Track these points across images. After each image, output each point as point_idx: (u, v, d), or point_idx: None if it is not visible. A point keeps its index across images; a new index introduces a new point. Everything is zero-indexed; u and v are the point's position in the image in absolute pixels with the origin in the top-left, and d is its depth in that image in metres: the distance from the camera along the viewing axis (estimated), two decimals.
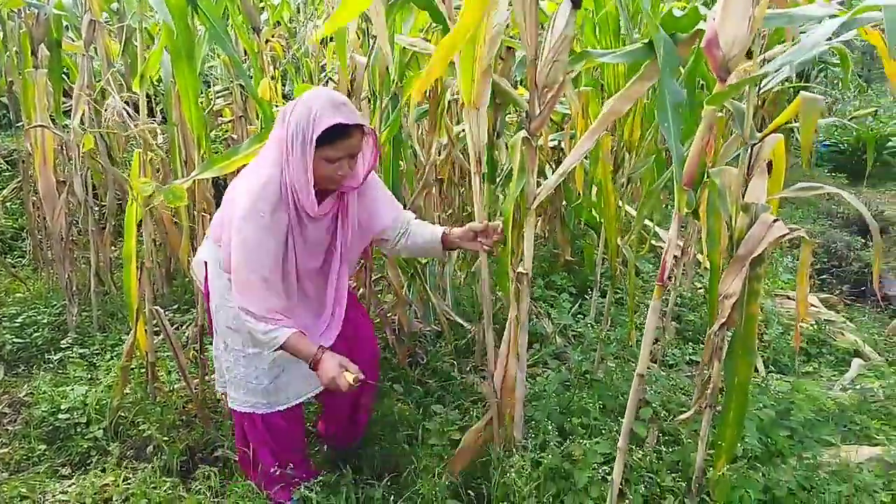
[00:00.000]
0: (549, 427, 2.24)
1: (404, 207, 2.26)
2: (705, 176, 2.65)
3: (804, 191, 2.11)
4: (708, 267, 3.91)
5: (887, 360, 3.39)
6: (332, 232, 2.01)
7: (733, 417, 1.99)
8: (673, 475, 2.09)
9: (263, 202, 1.78)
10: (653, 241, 4.33)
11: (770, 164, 1.98)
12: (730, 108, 1.90)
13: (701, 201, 2.80)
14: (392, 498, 2.11)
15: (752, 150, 2.12)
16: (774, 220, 1.83)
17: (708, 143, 1.81)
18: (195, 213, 2.82)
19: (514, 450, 2.14)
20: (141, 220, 2.55)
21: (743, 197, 1.91)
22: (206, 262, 2.08)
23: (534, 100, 1.88)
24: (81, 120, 3.31)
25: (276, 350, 1.88)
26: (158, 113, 4.88)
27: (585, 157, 3.05)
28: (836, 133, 8.68)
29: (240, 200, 1.80)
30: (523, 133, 1.92)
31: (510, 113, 3.88)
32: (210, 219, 2.86)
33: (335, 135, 1.74)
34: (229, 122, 4.50)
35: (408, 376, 2.97)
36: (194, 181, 2.54)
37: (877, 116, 9.24)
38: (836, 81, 9.12)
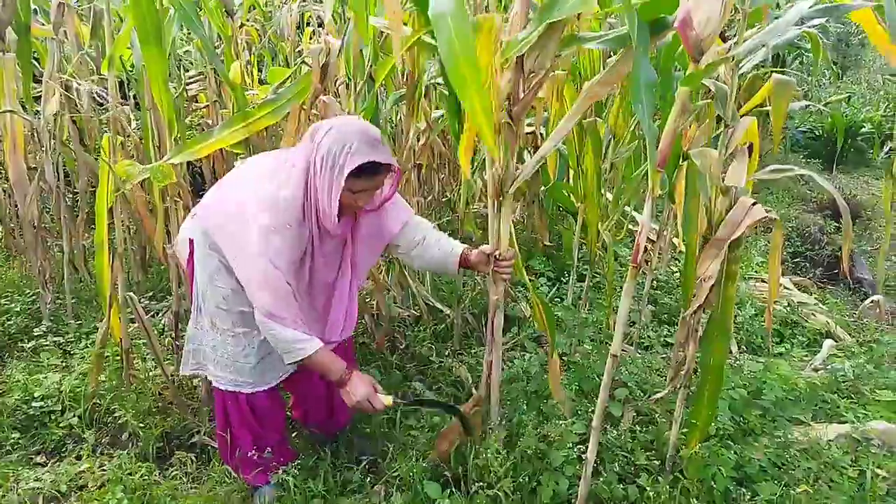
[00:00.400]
0: (525, 408, 2.26)
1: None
2: (680, 159, 2.69)
3: (777, 173, 2.13)
4: (683, 250, 3.96)
5: (858, 340, 3.46)
6: (343, 246, 2.06)
7: (708, 397, 2.02)
8: (647, 454, 2.13)
9: (288, 215, 1.81)
10: (630, 227, 4.37)
11: (751, 148, 2.00)
12: (711, 87, 1.91)
13: (677, 184, 2.84)
14: (369, 480, 2.12)
15: (730, 133, 2.15)
16: (753, 203, 1.85)
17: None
18: (168, 198, 2.78)
19: (490, 431, 2.16)
20: (112, 207, 2.50)
21: (722, 180, 1.92)
22: (190, 240, 2.04)
23: (518, 83, 1.86)
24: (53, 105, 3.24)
25: (293, 363, 1.90)
26: (132, 98, 4.80)
27: (563, 142, 3.06)
28: (811, 119, 8.79)
29: (261, 212, 1.80)
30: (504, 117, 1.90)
31: None
32: (183, 204, 2.84)
33: (367, 171, 1.78)
34: (204, 107, 4.43)
35: (387, 361, 2.98)
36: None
37: (850, 103, 9.37)
38: (811, 67, 9.23)
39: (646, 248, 4.54)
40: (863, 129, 8.35)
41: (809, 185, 6.80)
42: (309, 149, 1.81)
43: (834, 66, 10.81)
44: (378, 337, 3.08)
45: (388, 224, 2.11)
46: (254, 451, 2.09)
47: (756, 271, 4.39)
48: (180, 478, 2.22)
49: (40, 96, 3.74)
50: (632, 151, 3.04)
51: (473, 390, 2.50)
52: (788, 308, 3.67)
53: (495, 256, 1.99)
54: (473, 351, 3.08)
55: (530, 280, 3.77)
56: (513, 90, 1.85)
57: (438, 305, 3.33)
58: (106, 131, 2.61)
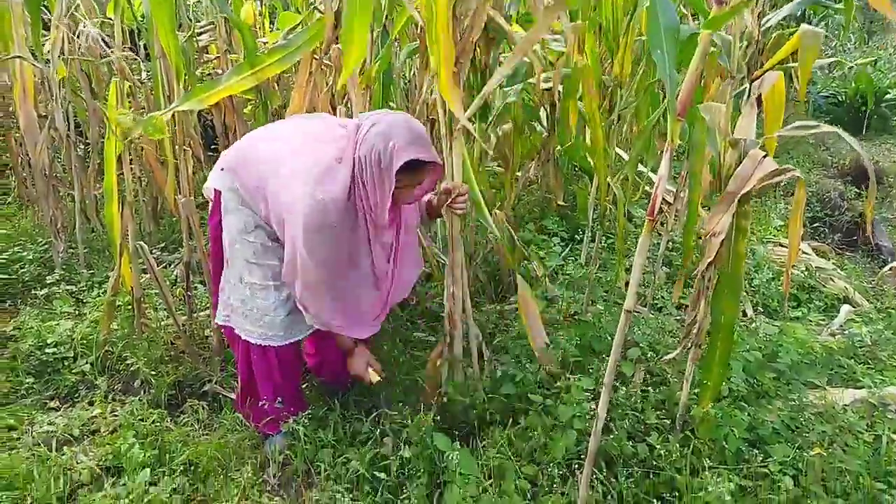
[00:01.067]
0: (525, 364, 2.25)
1: None
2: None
3: (801, 129, 2.06)
4: (700, 212, 3.88)
5: (876, 307, 3.41)
6: (395, 235, 2.10)
7: (719, 356, 1.99)
8: (658, 413, 2.11)
9: (335, 214, 1.83)
10: (646, 188, 4.29)
11: (759, 100, 1.92)
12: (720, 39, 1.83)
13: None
14: (379, 432, 2.12)
15: (750, 87, 2.07)
16: (764, 156, 1.79)
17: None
18: (177, 148, 2.74)
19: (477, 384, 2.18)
20: (121, 155, 2.47)
21: (732, 133, 1.86)
22: (217, 192, 2.02)
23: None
24: (61, 51, 3.18)
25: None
26: (143, 49, 4.72)
27: (579, 98, 2.97)
28: (834, 84, 8.55)
29: (307, 210, 1.80)
30: None
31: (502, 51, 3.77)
32: (192, 153, 2.80)
33: (412, 168, 1.81)
34: (215, 58, 4.36)
35: (398, 315, 2.97)
36: (175, 115, 2.46)
37: (876, 67, 9.10)
38: (836, 31, 8.94)
39: (661, 208, 4.47)
40: (887, 96, 8.11)
41: (830, 151, 6.65)
42: (353, 143, 1.83)
43: (861, 30, 10.49)
44: None
45: (418, 209, 2.20)
46: (273, 401, 2.10)
47: (774, 235, 4.32)
48: (192, 425, 2.23)
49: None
50: (637, 102, 2.94)
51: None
52: (806, 272, 3.61)
53: (449, 192, 2.03)
54: (484, 308, 3.06)
55: (543, 240, 3.74)
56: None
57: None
58: (116, 77, 2.55)
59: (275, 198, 1.88)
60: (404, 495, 1.85)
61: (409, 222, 2.15)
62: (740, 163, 1.81)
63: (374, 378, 2.13)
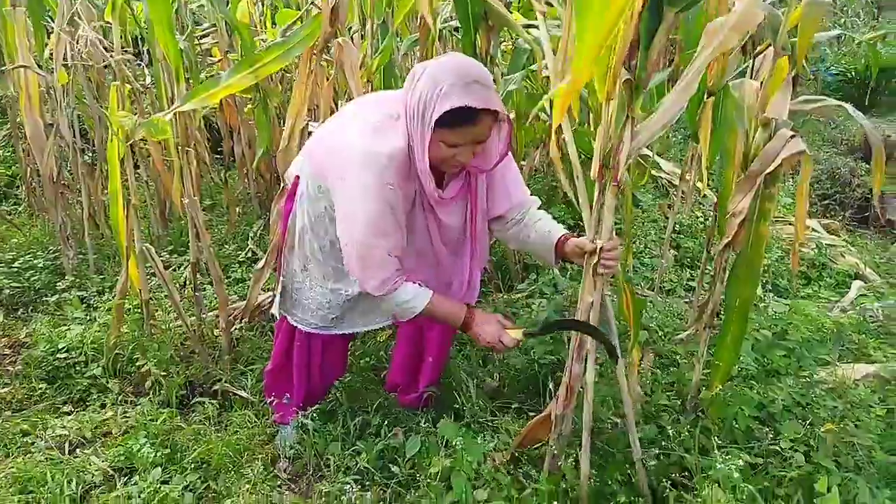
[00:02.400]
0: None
1: None
2: (704, 95, 2.57)
3: (808, 103, 2.03)
4: (707, 194, 3.84)
5: (888, 282, 3.37)
6: (464, 217, 1.85)
7: (732, 338, 1.97)
8: (667, 394, 2.10)
9: (390, 173, 1.61)
10: (653, 172, 4.27)
11: (795, 79, 1.88)
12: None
13: (701, 122, 2.73)
14: (386, 423, 2.12)
15: (753, 62, 2.04)
16: (792, 136, 1.75)
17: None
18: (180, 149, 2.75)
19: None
20: (124, 157, 2.49)
21: (762, 111, 1.82)
22: (297, 177, 1.92)
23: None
24: (64, 58, 3.21)
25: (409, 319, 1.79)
26: (146, 54, 4.75)
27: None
28: (843, 61, 8.44)
29: (361, 166, 1.61)
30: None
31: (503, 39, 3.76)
32: (197, 155, 2.82)
33: (459, 118, 1.51)
34: (218, 62, 4.38)
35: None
36: (178, 116, 2.48)
37: (886, 41, 8.96)
38: (845, 5, 8.83)
39: (668, 191, 4.44)
40: None
41: (839, 128, 6.57)
42: (407, 94, 1.59)
43: (871, 5, 10.32)
44: None
45: (504, 198, 1.86)
46: (300, 392, 2.11)
47: (783, 214, 4.28)
48: (203, 422, 2.25)
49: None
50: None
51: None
52: (816, 250, 3.57)
53: (599, 248, 1.56)
54: (492, 297, 3.06)
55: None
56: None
57: None
58: (116, 83, 2.57)
59: (335, 189, 1.70)
60: (416, 486, 1.86)
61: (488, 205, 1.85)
62: (768, 142, 1.78)
63: (519, 335, 1.74)
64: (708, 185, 3.45)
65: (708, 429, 1.93)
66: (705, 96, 2.55)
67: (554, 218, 1.89)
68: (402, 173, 1.63)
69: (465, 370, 2.35)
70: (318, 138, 1.85)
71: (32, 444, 2.18)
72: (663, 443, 1.90)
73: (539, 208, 1.91)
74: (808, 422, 1.96)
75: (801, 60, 1.76)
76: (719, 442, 1.85)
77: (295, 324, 2.04)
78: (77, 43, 3.24)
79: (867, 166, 5.39)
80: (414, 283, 1.76)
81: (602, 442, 1.91)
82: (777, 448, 1.84)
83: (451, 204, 1.78)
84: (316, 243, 1.89)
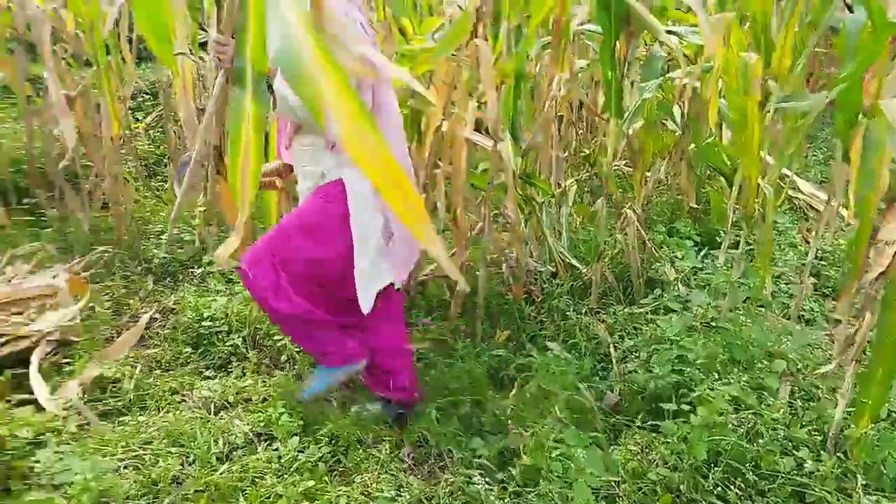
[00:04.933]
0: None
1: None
2: (859, 115, 2.41)
3: None
4: (851, 222, 3.59)
5: None
6: None
7: (882, 375, 1.86)
8: (807, 429, 1.99)
9: None
10: (790, 192, 4.04)
11: None
12: None
13: (853, 143, 2.56)
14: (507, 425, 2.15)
15: None
16: None
17: None
18: None
19: None
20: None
21: None
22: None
23: None
24: None
25: None
26: None
27: (721, 95, 2.84)
28: None
29: None
30: None
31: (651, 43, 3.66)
32: None
33: None
34: None
35: (522, 312, 2.99)
36: None
37: None
38: None
39: (806, 214, 4.19)
40: None
41: None
42: None
43: None
44: (515, 288, 3.08)
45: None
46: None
47: None
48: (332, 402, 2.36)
49: (205, 42, 4.06)
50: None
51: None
52: None
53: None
54: (612, 309, 3.01)
55: (675, 243, 3.60)
56: None
57: (573, 262, 3.28)
58: None
59: None
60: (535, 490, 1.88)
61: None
62: None
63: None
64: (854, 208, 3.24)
65: (853, 471, 1.82)
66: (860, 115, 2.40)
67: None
68: None
69: None
70: None
71: (181, 402, 2.38)
72: (799, 480, 1.82)
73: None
74: None
75: None
76: (863, 482, 1.74)
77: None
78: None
79: None
80: None
81: None
82: None
83: None
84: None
